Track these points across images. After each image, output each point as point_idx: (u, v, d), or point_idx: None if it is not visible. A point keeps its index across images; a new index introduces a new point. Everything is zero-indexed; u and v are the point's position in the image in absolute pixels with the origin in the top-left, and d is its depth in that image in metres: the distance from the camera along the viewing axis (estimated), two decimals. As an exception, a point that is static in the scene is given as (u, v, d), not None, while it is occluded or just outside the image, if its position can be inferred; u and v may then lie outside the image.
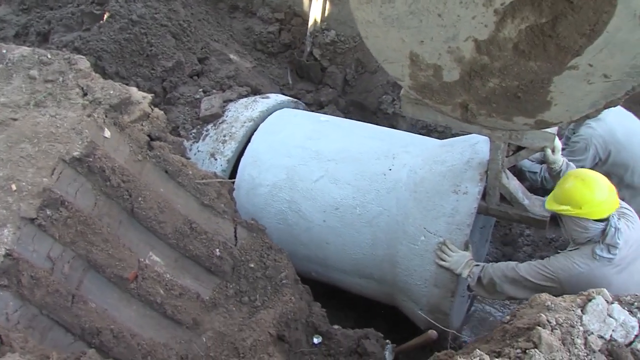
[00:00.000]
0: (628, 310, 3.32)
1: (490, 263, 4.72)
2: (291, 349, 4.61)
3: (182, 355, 4.14)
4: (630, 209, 4.47)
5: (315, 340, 4.78)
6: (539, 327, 3.16)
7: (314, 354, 4.73)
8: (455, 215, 4.82)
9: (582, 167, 5.09)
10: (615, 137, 5.49)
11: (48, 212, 3.78)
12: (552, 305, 3.37)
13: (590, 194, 4.10)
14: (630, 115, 5.73)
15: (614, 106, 3.45)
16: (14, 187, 3.75)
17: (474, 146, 5.05)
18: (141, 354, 3.93)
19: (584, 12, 2.86)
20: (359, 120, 7.41)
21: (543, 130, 4.09)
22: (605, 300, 3.35)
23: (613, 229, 4.13)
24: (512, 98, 3.49)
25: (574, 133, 5.65)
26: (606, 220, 4.16)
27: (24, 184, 3.78)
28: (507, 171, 4.87)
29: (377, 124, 7.38)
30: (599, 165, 5.45)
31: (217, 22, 7.71)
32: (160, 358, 4.01)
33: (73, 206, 3.92)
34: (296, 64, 7.99)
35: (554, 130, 4.21)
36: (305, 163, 5.56)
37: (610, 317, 3.28)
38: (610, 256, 4.15)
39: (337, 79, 7.78)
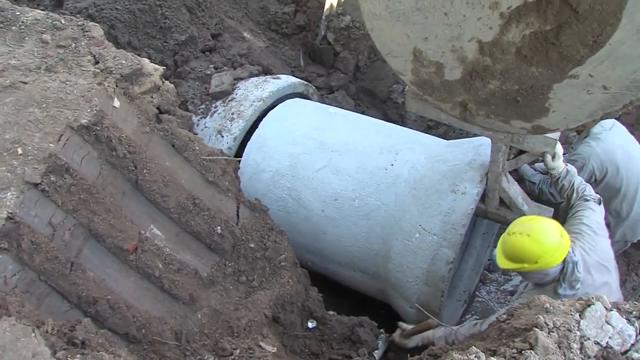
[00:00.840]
0: (626, 319, 3.31)
1: (458, 327, 4.61)
2: (285, 331, 4.62)
3: (176, 330, 4.14)
4: (590, 222, 4.37)
5: (310, 325, 4.79)
6: (536, 329, 3.16)
7: (308, 338, 4.74)
8: (451, 214, 4.82)
9: None
10: (614, 159, 5.45)
11: (52, 178, 3.77)
12: (551, 308, 3.36)
13: (541, 247, 3.91)
14: (632, 139, 5.68)
15: (611, 118, 3.45)
16: (19, 150, 3.73)
17: (478, 148, 5.05)
18: (136, 326, 3.93)
19: (589, 22, 2.89)
20: (368, 108, 7.42)
21: (545, 135, 4.07)
22: (604, 307, 3.34)
23: (571, 265, 3.97)
24: (511, 101, 3.51)
25: (572, 149, 5.62)
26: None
27: (30, 148, 3.76)
28: (509, 175, 4.86)
29: (386, 113, 7.40)
30: (593, 185, 5.38)
31: (232, -1, 7.68)
32: (154, 331, 4.01)
33: (78, 174, 3.91)
34: (309, 46, 7.95)
35: (555, 135, 4.19)
36: (309, 152, 5.58)
37: (608, 324, 3.27)
38: (573, 292, 4.03)
39: (349, 65, 7.74)
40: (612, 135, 5.47)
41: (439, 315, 5.02)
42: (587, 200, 4.49)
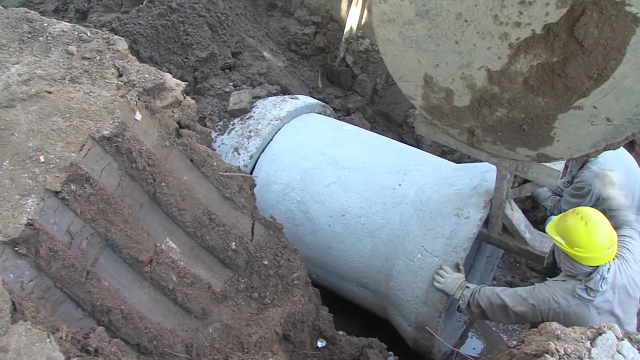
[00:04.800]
0: (637, 349, 3.32)
1: (481, 286, 4.73)
2: (295, 349, 4.63)
3: (187, 343, 4.16)
4: (633, 250, 4.44)
5: (319, 344, 4.80)
6: (547, 355, 3.17)
7: (317, 357, 4.74)
8: (453, 237, 4.89)
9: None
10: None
11: (72, 187, 3.81)
12: (562, 335, 3.37)
13: (586, 240, 4.07)
14: (627, 154, 5.75)
15: (614, 149, 3.50)
16: (42, 158, 3.78)
17: (485, 174, 5.11)
18: (147, 338, 3.95)
19: (594, 56, 2.97)
20: (384, 131, 7.46)
21: (549, 167, 4.17)
22: (616, 336, 3.35)
23: (599, 276, 4.13)
24: (517, 129, 3.57)
25: (575, 177, 5.66)
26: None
27: (52, 156, 3.81)
28: (512, 202, 4.93)
29: (402, 136, 7.43)
30: (598, 203, 5.46)
31: (254, 19, 7.75)
32: (165, 343, 4.02)
33: (97, 184, 3.94)
34: (328, 68, 8.02)
35: (559, 167, 4.24)
36: (320, 167, 5.67)
37: (619, 353, 3.27)
38: (590, 298, 4.18)
39: (367, 88, 7.80)
40: (609, 154, 5.54)
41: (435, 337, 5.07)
42: (633, 229, 4.56)
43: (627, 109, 3.14)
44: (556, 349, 3.22)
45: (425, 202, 5.17)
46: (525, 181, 4.72)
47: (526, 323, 5.02)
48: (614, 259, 4.23)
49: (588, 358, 3.22)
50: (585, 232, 4.08)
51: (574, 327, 3.52)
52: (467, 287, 4.75)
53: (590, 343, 3.30)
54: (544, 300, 4.32)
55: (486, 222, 5.10)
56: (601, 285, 4.13)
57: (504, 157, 4.00)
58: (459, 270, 4.81)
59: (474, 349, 6.53)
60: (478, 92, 3.48)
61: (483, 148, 3.91)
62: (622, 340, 3.33)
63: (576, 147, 3.53)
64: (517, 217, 5.00)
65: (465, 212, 4.94)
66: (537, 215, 6.97)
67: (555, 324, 3.52)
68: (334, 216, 5.48)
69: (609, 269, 4.15)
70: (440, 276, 4.81)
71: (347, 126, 6.38)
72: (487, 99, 3.48)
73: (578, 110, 3.26)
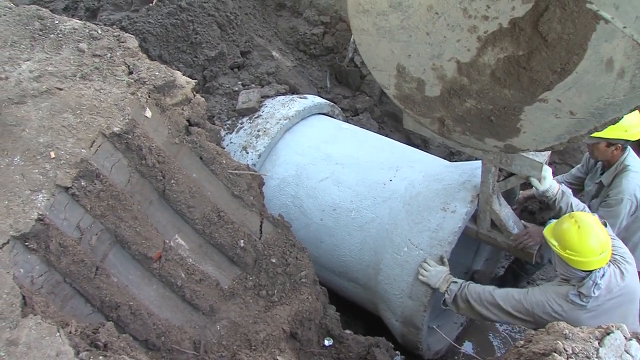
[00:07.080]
0: (646, 349, 3.32)
1: (469, 282, 4.75)
2: (302, 347, 4.64)
3: (195, 340, 4.17)
4: (629, 258, 4.45)
5: (326, 342, 4.81)
6: (555, 354, 3.17)
7: (324, 356, 4.75)
8: (438, 231, 4.93)
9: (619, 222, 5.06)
10: None
11: (83, 183, 3.83)
12: (570, 334, 3.38)
13: (578, 243, 4.13)
14: None
15: (577, 143, 3.55)
16: (52, 154, 3.81)
17: (474, 170, 5.14)
18: (155, 334, 3.97)
19: (557, 51, 3.06)
20: (392, 131, 7.47)
21: (531, 158, 4.29)
22: (624, 335, 3.35)
23: (591, 282, 4.17)
24: (485, 120, 3.65)
25: (609, 186, 5.49)
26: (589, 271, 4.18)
27: (62, 152, 3.84)
28: (501, 198, 4.95)
29: (409, 137, 7.43)
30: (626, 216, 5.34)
31: (263, 18, 7.76)
32: (173, 340, 4.04)
33: (107, 180, 3.97)
34: (336, 68, 8.01)
35: (542, 158, 4.28)
36: (315, 163, 5.75)
37: (627, 353, 3.28)
38: (582, 303, 4.22)
39: (375, 88, 7.79)
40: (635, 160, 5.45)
41: (421, 330, 5.09)
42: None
43: (589, 103, 3.20)
44: (564, 348, 3.23)
45: (414, 197, 5.21)
46: (511, 174, 4.74)
47: (514, 324, 5.03)
48: (609, 264, 4.26)
49: (596, 357, 3.22)
50: (577, 236, 4.13)
51: (582, 326, 3.52)
52: (455, 281, 4.77)
53: (598, 342, 3.31)
54: (537, 304, 4.34)
55: (475, 218, 5.12)
56: (593, 291, 4.16)
57: (473, 147, 4.07)
58: (443, 264, 4.83)
59: (473, 348, 6.53)
60: (448, 83, 3.56)
61: (453, 138, 3.97)
62: (630, 340, 3.34)
63: (541, 139, 3.59)
64: (505, 212, 5.01)
65: (452, 206, 4.98)
66: (545, 217, 6.96)
67: (563, 324, 3.53)
68: (326, 210, 5.54)
69: (602, 275, 4.18)
70: (424, 269, 4.83)
71: (345, 125, 6.43)
72: (457, 90, 3.56)
73: (543, 103, 3.34)
